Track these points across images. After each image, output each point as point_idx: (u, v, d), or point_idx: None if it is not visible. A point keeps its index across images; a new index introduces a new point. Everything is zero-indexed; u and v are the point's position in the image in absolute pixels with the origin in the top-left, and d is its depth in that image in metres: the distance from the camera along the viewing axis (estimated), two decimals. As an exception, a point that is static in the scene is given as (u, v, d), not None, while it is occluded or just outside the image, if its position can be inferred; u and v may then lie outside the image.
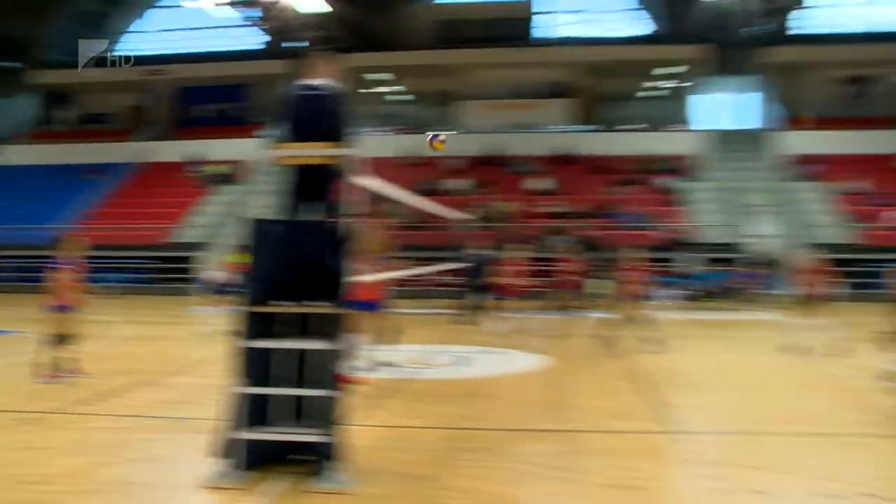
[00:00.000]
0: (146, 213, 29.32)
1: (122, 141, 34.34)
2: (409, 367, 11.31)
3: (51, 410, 8.22)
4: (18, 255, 25.86)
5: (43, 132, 36.04)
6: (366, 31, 34.21)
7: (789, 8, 28.91)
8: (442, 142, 9.59)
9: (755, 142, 31.68)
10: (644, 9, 34.96)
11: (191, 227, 28.29)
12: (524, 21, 34.23)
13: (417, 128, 32.90)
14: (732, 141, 31.72)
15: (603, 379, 10.53)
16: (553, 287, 19.39)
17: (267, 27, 30.58)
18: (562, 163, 30.55)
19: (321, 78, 6.30)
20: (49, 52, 36.78)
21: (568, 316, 16.61)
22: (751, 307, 21.17)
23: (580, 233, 25.65)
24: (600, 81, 33.67)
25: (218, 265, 15.13)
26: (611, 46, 33.01)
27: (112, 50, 38.76)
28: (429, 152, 10.13)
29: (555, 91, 33.08)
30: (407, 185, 26.77)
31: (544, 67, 33.01)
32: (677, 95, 34.18)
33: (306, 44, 32.35)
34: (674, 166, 29.24)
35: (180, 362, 11.88)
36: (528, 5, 34.51)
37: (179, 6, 34.54)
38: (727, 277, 22.33)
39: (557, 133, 31.83)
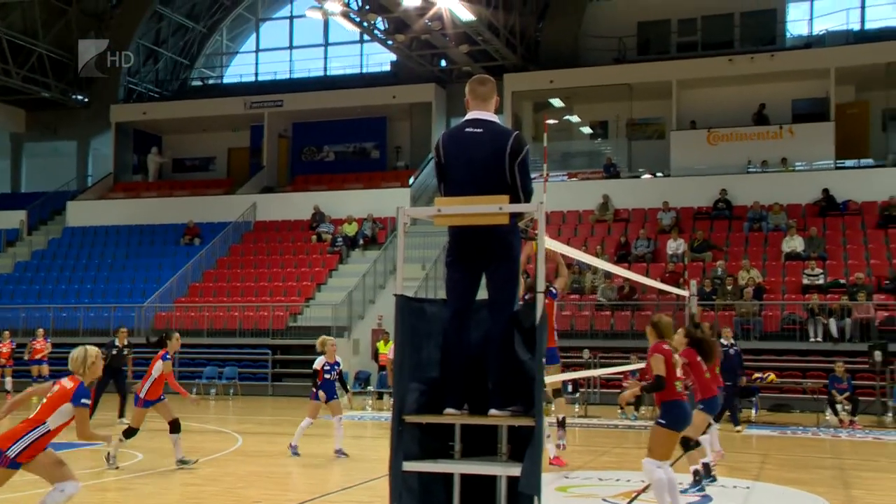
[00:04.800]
0: (259, 288, 30.74)
1: (226, 193, 36.43)
2: (620, 503, 11.01)
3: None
4: (92, 341, 27.10)
5: (124, 184, 38.79)
6: (532, 43, 34.73)
7: None
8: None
9: None
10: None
11: (317, 306, 29.24)
12: (768, 16, 33.61)
13: (608, 171, 33.00)
14: None
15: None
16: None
17: (402, 42, 31.46)
18: (827, 214, 29.50)
19: (486, 110, 6.36)
20: (133, 82, 39.59)
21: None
22: None
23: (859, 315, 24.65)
24: (879, 95, 32.47)
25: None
26: (891, 42, 31.82)
27: (210, 77, 41.54)
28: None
29: (813, 113, 32.13)
30: (600, 248, 27.22)
31: (798, 79, 32.21)
32: None
33: (455, 64, 33.22)
34: None
35: (314, 489, 12.07)
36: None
37: (300, 17, 36.42)
38: None
39: (818, 172, 30.83)
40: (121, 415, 19.28)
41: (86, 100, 39.02)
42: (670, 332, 9.28)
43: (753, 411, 21.86)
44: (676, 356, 9.17)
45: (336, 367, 14.81)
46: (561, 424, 13.70)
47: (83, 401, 7.68)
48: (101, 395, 19.45)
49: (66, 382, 7.78)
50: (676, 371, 9.00)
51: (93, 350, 8.03)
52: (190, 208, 35.11)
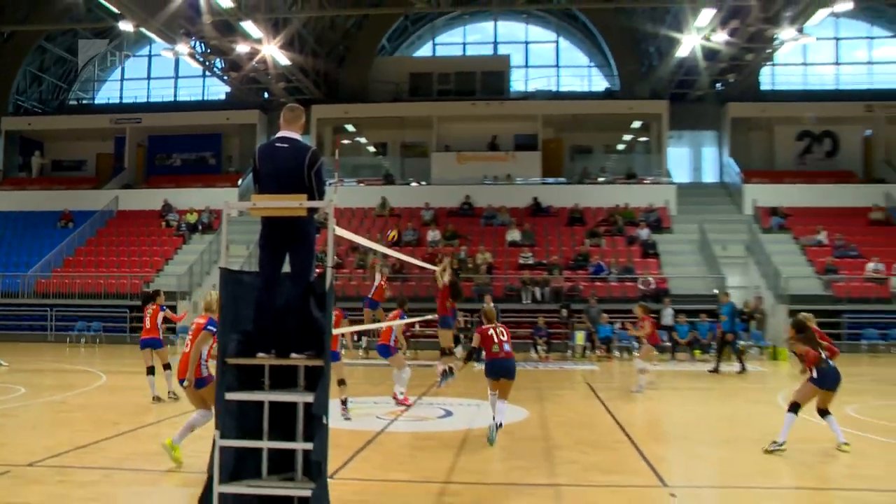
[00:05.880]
0: (119, 262, 29.03)
1: (94, 188, 34.09)
2: (389, 419, 11.05)
3: (23, 463, 7.84)
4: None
5: (11, 179, 35.69)
6: (333, 83, 34.49)
7: (747, 66, 29.48)
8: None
9: (722, 194, 32.20)
10: (605, 67, 35.82)
11: (165, 276, 27.84)
12: (499, 76, 34.58)
13: (386, 179, 33.22)
14: (699, 193, 32.23)
15: (586, 431, 10.34)
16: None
17: (235, 78, 30.52)
18: (536, 214, 30.67)
19: (292, 130, 6.23)
20: (20, 99, 36.73)
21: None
22: (731, 359, 21.05)
23: (554, 285, 25.74)
24: (569, 135, 34.22)
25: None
26: (577, 101, 33.74)
27: (84, 98, 38.82)
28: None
29: (528, 144, 33.36)
30: (379, 235, 27.23)
31: (518, 121, 33.36)
32: (643, 149, 34.73)
33: (274, 95, 32.45)
34: (645, 218, 29.43)
35: (161, 414, 11.47)
36: (507, 60, 35.10)
37: (157, 55, 34.68)
38: (707, 329, 22.33)
39: (531, 185, 32.01)
40: None
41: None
42: (492, 317, 10.00)
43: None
44: (493, 331, 9.67)
45: None
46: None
47: (210, 328, 7.87)
48: None
49: (199, 319, 8.22)
50: (494, 339, 9.58)
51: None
52: (65, 199, 32.66)
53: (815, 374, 8.91)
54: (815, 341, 9.06)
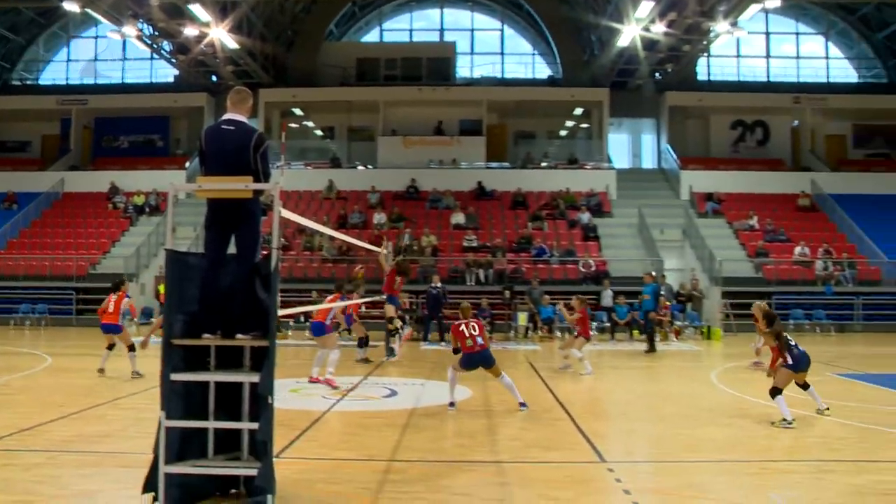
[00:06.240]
0: (65, 244, 28.25)
1: (39, 170, 33.06)
2: (335, 399, 10.99)
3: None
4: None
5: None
6: (281, 67, 33.97)
7: (684, 56, 29.98)
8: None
9: (660, 180, 32.74)
10: (548, 55, 35.99)
11: (112, 258, 27.17)
12: (445, 62, 34.47)
13: (333, 162, 32.96)
14: (638, 179, 32.70)
15: (527, 409, 10.44)
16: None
17: (183, 61, 29.82)
18: (480, 198, 30.73)
19: (239, 113, 6.11)
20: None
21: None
22: (667, 338, 21.46)
23: (497, 267, 25.84)
24: (512, 121, 34.32)
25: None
26: (521, 88, 33.81)
27: (30, 79, 37.43)
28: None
29: (473, 129, 33.35)
30: (326, 218, 26.99)
31: (463, 106, 33.31)
32: (584, 135, 35.06)
33: (223, 79, 31.83)
34: (586, 202, 29.76)
35: (107, 395, 11.20)
36: (453, 47, 34.99)
37: (103, 37, 33.63)
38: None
39: (475, 170, 32.04)
40: None
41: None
42: (467, 313, 10.56)
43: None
44: (465, 326, 10.23)
45: None
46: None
47: None
48: None
49: None
50: (466, 334, 10.18)
51: None
52: (9, 181, 31.61)
53: (790, 361, 9.46)
54: (781, 331, 9.64)
